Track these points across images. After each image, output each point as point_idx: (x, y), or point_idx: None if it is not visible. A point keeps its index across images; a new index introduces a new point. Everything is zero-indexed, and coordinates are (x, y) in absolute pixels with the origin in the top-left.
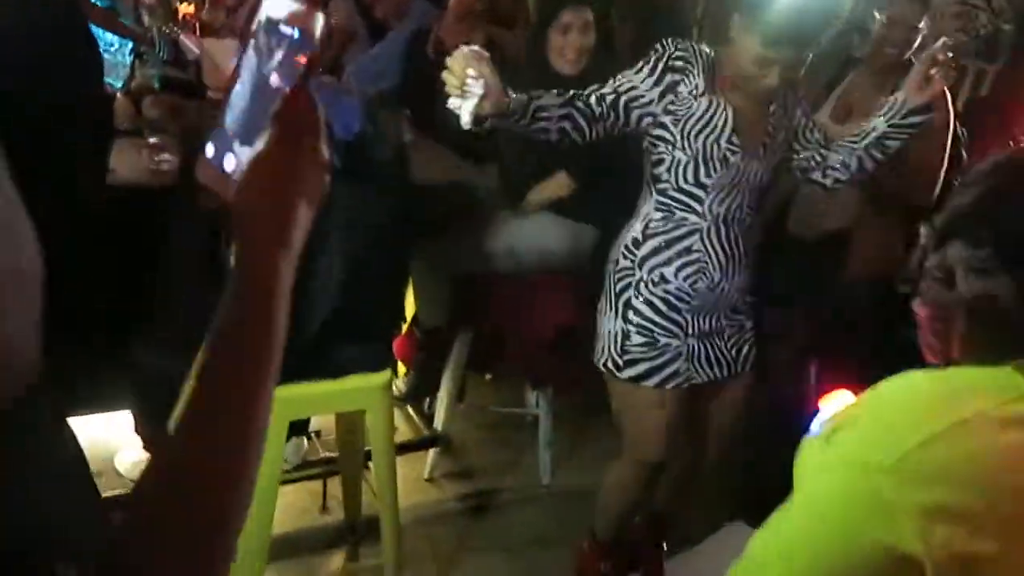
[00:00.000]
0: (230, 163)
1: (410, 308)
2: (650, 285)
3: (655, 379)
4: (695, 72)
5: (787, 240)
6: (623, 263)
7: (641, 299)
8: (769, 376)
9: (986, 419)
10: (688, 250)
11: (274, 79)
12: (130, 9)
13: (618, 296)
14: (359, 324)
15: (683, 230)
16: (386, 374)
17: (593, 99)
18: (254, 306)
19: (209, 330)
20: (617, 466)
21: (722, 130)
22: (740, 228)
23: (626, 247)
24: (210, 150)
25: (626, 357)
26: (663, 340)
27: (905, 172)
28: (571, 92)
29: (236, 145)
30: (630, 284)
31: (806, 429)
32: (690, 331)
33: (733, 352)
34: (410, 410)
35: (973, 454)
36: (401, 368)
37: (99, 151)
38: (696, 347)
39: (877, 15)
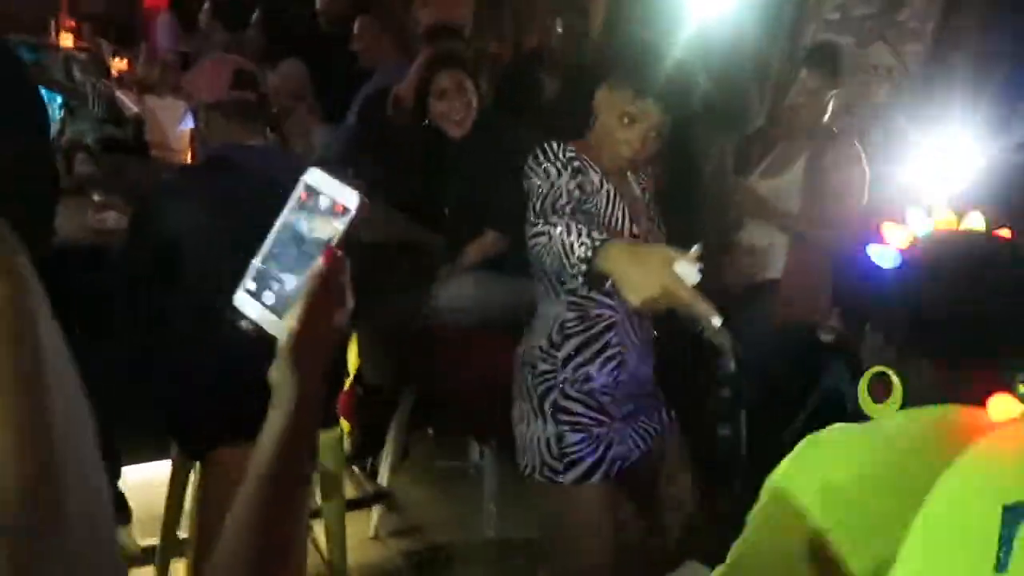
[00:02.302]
0: (269, 298)
1: (353, 365)
2: (576, 384)
3: (599, 473)
4: (588, 166)
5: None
6: (543, 367)
7: (569, 399)
8: (704, 421)
9: None
10: (608, 345)
11: (311, 234)
12: (60, 64)
13: (542, 400)
14: None
15: (600, 326)
16: (335, 431)
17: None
18: (299, 442)
19: (255, 465)
20: None
21: (622, 221)
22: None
23: (543, 350)
24: (251, 284)
25: (566, 459)
26: (596, 431)
27: (827, 223)
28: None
29: (274, 284)
30: (553, 386)
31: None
32: (616, 416)
33: (655, 421)
34: (354, 468)
35: None
36: (344, 426)
37: (49, 209)
38: (624, 430)
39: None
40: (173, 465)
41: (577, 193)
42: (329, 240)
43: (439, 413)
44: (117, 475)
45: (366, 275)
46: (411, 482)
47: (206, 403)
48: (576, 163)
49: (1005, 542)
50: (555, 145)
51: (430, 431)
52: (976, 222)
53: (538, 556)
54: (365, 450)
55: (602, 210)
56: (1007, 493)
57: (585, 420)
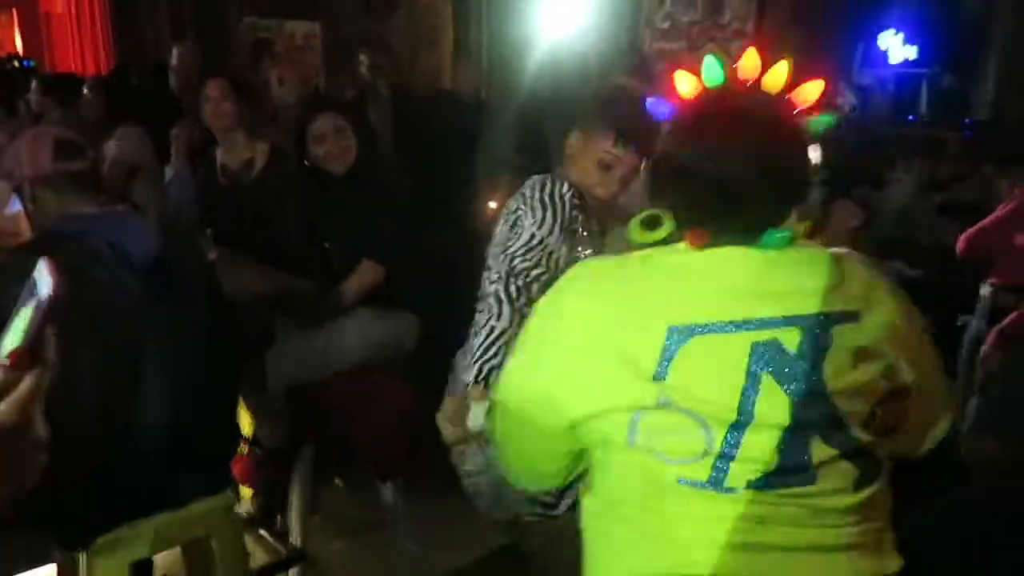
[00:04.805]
0: None
1: (246, 428)
2: None
3: None
4: (585, 213)
5: None
6: None
7: None
8: None
9: None
10: None
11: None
12: None
13: None
14: (191, 450)
15: None
16: (227, 496)
17: (535, 288)
18: None
19: None
20: None
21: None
22: None
23: None
24: None
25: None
26: None
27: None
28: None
29: None
30: None
31: None
32: None
33: None
34: (262, 532)
35: None
36: (246, 491)
37: None
38: None
39: None
40: (59, 567)
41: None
42: (18, 341)
43: (343, 460)
44: None
45: (244, 332)
46: (325, 537)
47: (84, 487)
48: (576, 201)
49: (667, 353)
50: (560, 184)
51: (338, 482)
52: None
53: None
54: (271, 511)
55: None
56: (671, 316)
57: None
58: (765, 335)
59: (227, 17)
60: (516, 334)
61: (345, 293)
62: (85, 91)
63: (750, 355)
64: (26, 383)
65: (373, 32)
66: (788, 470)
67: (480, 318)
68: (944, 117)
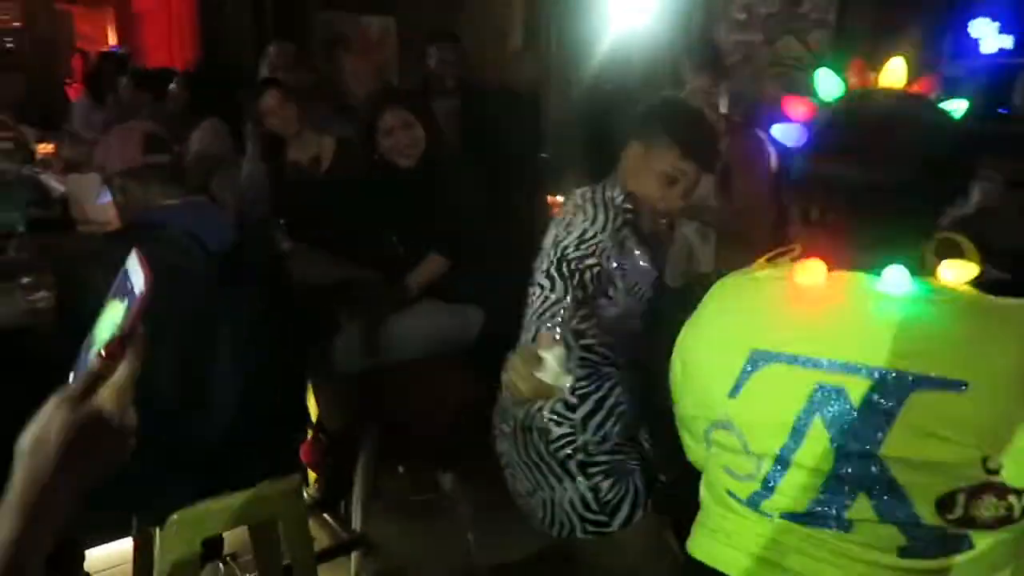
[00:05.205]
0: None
1: (313, 414)
2: (596, 445)
3: (640, 507)
4: (636, 221)
5: None
6: (558, 431)
7: (593, 456)
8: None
9: None
10: (618, 402)
11: (114, 319)
12: None
13: (564, 463)
14: (261, 432)
15: (607, 385)
16: (295, 479)
17: (588, 277)
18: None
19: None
20: None
21: (649, 277)
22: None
23: (557, 413)
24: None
25: (608, 507)
26: (623, 469)
27: (738, 212)
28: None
29: (80, 367)
30: (576, 448)
31: None
32: (630, 451)
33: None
34: (326, 516)
35: None
36: (311, 475)
37: None
38: (637, 459)
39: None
40: (135, 539)
41: (605, 252)
42: (113, 332)
43: (405, 448)
44: (80, 559)
45: (313, 319)
46: (386, 522)
47: (164, 462)
48: (629, 215)
49: (744, 375)
50: (616, 192)
51: (400, 468)
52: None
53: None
54: (334, 495)
55: (638, 265)
56: (757, 340)
57: (611, 464)
58: (833, 379)
59: (306, 11)
60: (570, 306)
61: (410, 284)
62: (172, 86)
63: (811, 395)
64: (121, 371)
65: (447, 26)
66: (822, 516)
67: (533, 299)
68: None
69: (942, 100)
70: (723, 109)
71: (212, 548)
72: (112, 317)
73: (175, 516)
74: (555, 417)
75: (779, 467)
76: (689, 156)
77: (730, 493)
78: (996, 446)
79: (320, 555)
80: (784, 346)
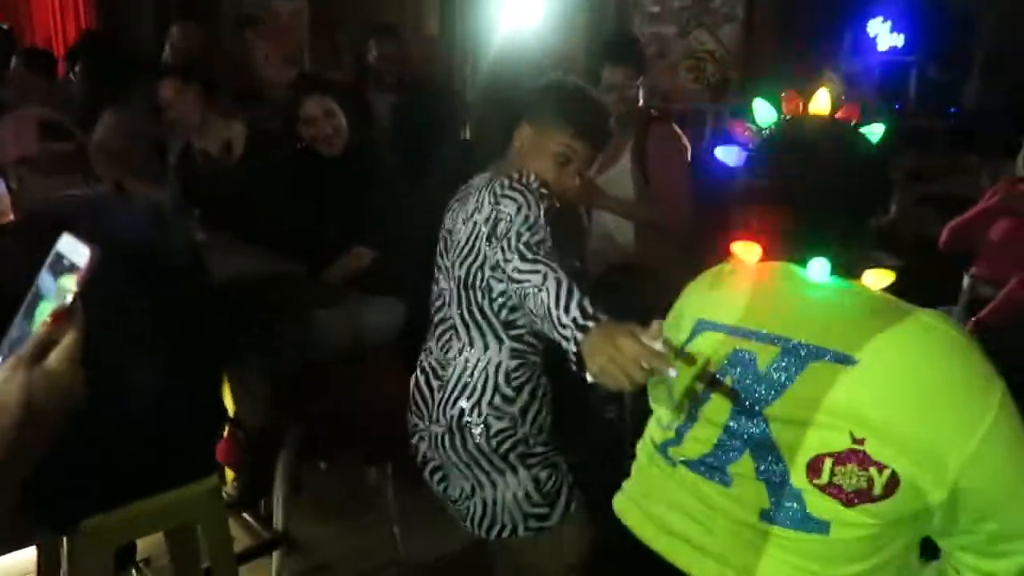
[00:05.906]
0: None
1: (232, 409)
2: (535, 436)
3: (575, 499)
4: (551, 206)
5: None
6: (498, 425)
7: (532, 447)
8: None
9: None
10: (547, 390)
11: (48, 295)
12: None
13: (505, 456)
14: (177, 433)
15: (535, 373)
16: (213, 479)
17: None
18: None
19: None
20: None
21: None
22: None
23: (494, 407)
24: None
25: (548, 498)
26: (556, 460)
27: (655, 200)
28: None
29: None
30: (517, 441)
31: None
32: (557, 444)
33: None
34: (246, 516)
35: None
36: (229, 473)
37: None
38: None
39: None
40: (39, 549)
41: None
42: (61, 302)
43: (328, 444)
44: None
45: (231, 314)
46: (309, 520)
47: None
48: (544, 197)
49: (688, 340)
50: (526, 176)
51: (322, 464)
52: (821, 106)
53: (452, 572)
54: (254, 494)
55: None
56: (703, 311)
57: (548, 454)
58: (750, 345)
59: None
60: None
61: (334, 277)
62: (74, 71)
63: (728, 357)
64: (70, 335)
65: (360, 10)
66: (711, 467)
67: (528, 288)
68: (931, 106)
69: (862, 125)
70: (641, 103)
71: (124, 554)
72: (58, 292)
73: (85, 525)
74: (493, 412)
75: (689, 420)
76: (580, 135)
77: (652, 442)
78: (866, 426)
79: (241, 556)
80: (722, 317)
